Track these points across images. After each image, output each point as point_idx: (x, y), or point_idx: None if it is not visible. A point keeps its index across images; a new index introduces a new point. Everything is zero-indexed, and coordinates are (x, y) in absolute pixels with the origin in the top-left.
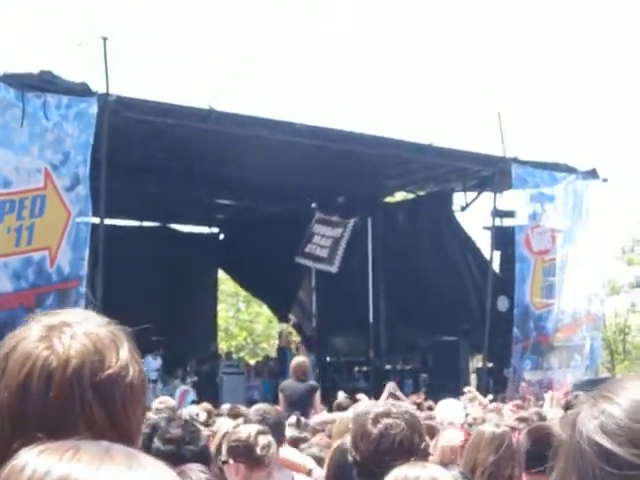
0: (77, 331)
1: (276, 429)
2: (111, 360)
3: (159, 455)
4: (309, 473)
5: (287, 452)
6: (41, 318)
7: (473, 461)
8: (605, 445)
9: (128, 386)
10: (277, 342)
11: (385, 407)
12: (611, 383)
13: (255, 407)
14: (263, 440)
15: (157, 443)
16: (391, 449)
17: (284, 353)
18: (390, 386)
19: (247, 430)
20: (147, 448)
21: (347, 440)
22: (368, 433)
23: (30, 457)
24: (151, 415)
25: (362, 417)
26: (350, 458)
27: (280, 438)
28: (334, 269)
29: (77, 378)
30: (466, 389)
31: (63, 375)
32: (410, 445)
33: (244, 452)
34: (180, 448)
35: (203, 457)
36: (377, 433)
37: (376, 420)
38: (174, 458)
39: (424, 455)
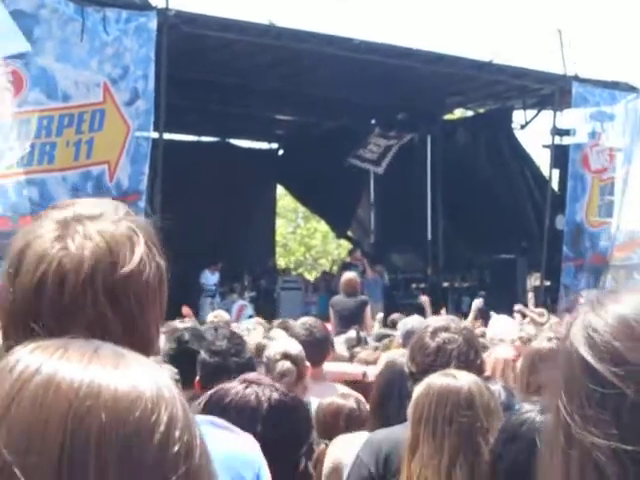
0: (91, 229)
1: (323, 343)
2: (125, 260)
3: (205, 366)
4: (364, 375)
5: (335, 365)
6: (54, 213)
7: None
8: (589, 360)
9: (143, 286)
10: (349, 258)
11: (444, 321)
12: (611, 292)
13: (301, 320)
14: (280, 366)
15: (204, 355)
16: (447, 362)
17: (349, 269)
18: (478, 302)
19: (270, 351)
20: (193, 358)
21: (395, 355)
22: (426, 346)
23: (22, 354)
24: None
25: (421, 330)
26: (406, 369)
27: (326, 353)
28: (380, 170)
29: (90, 281)
30: (516, 307)
31: (77, 278)
32: (466, 360)
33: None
34: (226, 360)
35: (248, 369)
36: (434, 346)
37: (434, 333)
38: (220, 369)
39: (479, 371)
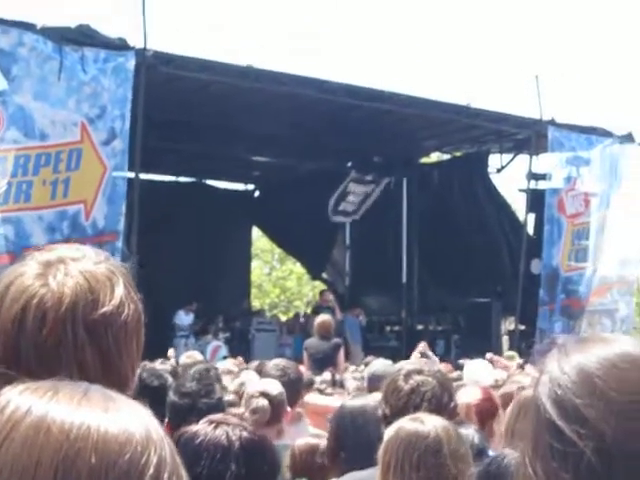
0: (73, 268)
1: (297, 385)
2: (105, 299)
3: (175, 408)
4: None
5: (314, 398)
6: (38, 254)
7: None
8: (552, 417)
9: (122, 325)
10: (319, 298)
11: (418, 365)
12: (578, 342)
13: (274, 362)
14: (255, 403)
15: (173, 397)
16: (420, 405)
17: (320, 311)
18: (421, 346)
19: (250, 388)
20: (162, 401)
21: (349, 401)
22: (399, 388)
23: (12, 395)
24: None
25: (395, 373)
26: (380, 412)
27: (298, 394)
28: (357, 217)
29: (70, 317)
30: (487, 356)
31: (57, 313)
32: (438, 403)
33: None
34: (196, 401)
35: (218, 410)
36: (408, 389)
37: (408, 376)
38: (190, 411)
39: (452, 414)
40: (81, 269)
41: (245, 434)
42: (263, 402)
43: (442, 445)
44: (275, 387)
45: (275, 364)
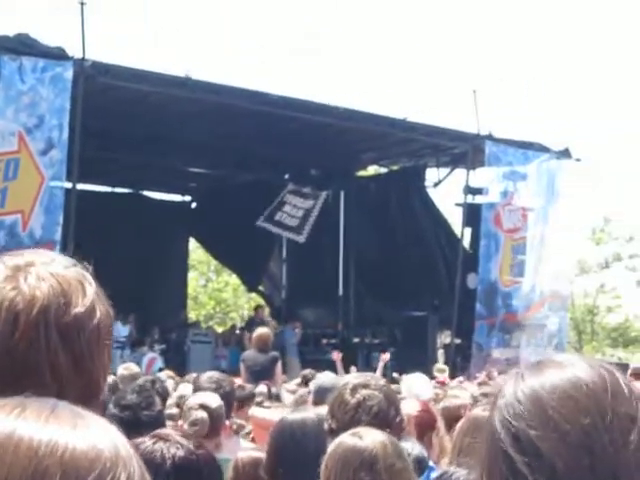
0: (43, 272)
1: (230, 397)
2: (77, 302)
3: (115, 421)
4: None
5: (259, 412)
6: (6, 259)
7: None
8: (506, 447)
9: (94, 329)
10: (254, 313)
11: (364, 378)
12: (533, 365)
13: (208, 374)
14: (194, 415)
15: (113, 410)
16: (366, 419)
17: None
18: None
19: (190, 401)
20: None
21: (289, 414)
22: (345, 402)
23: None
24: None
25: (341, 387)
26: (326, 426)
27: (232, 407)
28: (302, 239)
29: (43, 320)
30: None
31: (29, 316)
32: (385, 417)
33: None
34: (136, 414)
35: (159, 422)
36: (354, 403)
37: (354, 390)
38: (131, 424)
39: (398, 428)
40: (52, 272)
41: (180, 453)
42: (202, 414)
43: (377, 460)
44: (214, 400)
45: (209, 377)
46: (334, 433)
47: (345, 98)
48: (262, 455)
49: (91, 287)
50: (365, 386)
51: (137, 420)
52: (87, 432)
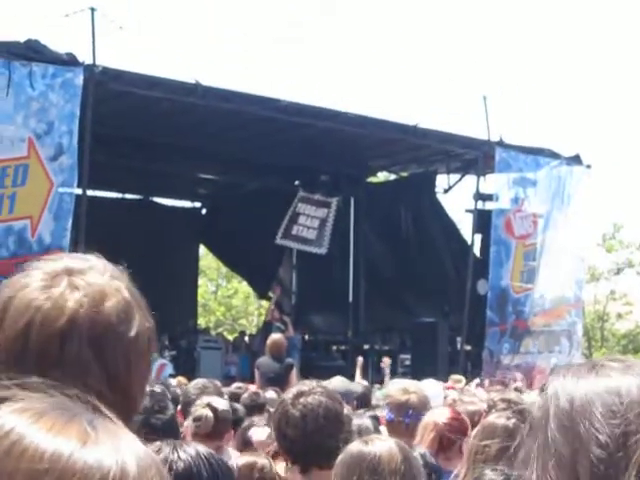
0: (79, 281)
1: None
2: (112, 312)
3: None
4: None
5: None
6: (43, 264)
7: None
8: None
9: (131, 340)
10: (268, 316)
11: (297, 388)
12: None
13: (194, 382)
14: (199, 412)
15: None
16: (317, 426)
17: (270, 328)
18: (360, 361)
19: (199, 401)
20: None
21: None
22: (291, 417)
23: (4, 413)
24: None
25: (280, 404)
26: (277, 446)
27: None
28: (323, 250)
29: (76, 333)
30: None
31: (61, 328)
32: (335, 416)
33: None
34: (149, 417)
35: (171, 426)
36: (299, 415)
37: (294, 403)
38: (144, 427)
39: (347, 421)
40: (88, 281)
41: (188, 455)
42: (207, 412)
43: (381, 463)
44: (223, 404)
45: (194, 384)
46: (289, 452)
47: (353, 105)
48: (257, 459)
49: (129, 296)
50: (302, 394)
51: (150, 424)
52: (95, 449)
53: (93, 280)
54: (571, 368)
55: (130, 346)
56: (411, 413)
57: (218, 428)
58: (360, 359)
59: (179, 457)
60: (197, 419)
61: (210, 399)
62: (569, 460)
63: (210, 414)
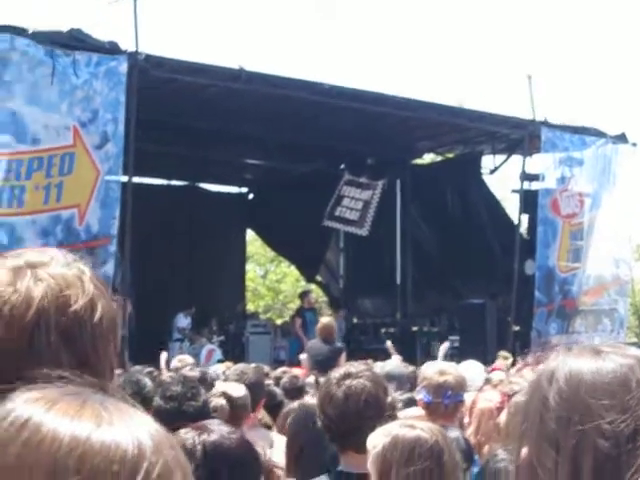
0: (42, 273)
1: (255, 389)
2: (76, 299)
3: (161, 413)
4: None
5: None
6: (4, 260)
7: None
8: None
9: (96, 324)
10: (302, 302)
11: (344, 369)
12: (573, 350)
13: (235, 367)
14: (214, 403)
15: (159, 401)
16: (357, 409)
17: (304, 314)
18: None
19: (214, 389)
20: (148, 406)
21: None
22: (333, 396)
23: (15, 405)
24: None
25: (325, 382)
26: (319, 423)
27: (259, 398)
28: (365, 232)
29: (43, 322)
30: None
31: (28, 319)
32: (376, 402)
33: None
34: (181, 405)
35: (204, 412)
36: (342, 396)
37: (339, 384)
38: (176, 415)
39: (392, 408)
40: (51, 273)
41: (212, 438)
42: (222, 402)
43: (443, 451)
44: (238, 390)
45: (234, 369)
46: (328, 429)
47: (398, 87)
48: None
49: (90, 283)
50: (348, 376)
51: (182, 411)
52: (110, 429)
53: (55, 271)
54: (572, 351)
55: (95, 331)
56: (449, 394)
57: (235, 416)
58: (389, 342)
59: (207, 439)
60: (213, 410)
61: (225, 387)
62: (571, 451)
63: (224, 403)
